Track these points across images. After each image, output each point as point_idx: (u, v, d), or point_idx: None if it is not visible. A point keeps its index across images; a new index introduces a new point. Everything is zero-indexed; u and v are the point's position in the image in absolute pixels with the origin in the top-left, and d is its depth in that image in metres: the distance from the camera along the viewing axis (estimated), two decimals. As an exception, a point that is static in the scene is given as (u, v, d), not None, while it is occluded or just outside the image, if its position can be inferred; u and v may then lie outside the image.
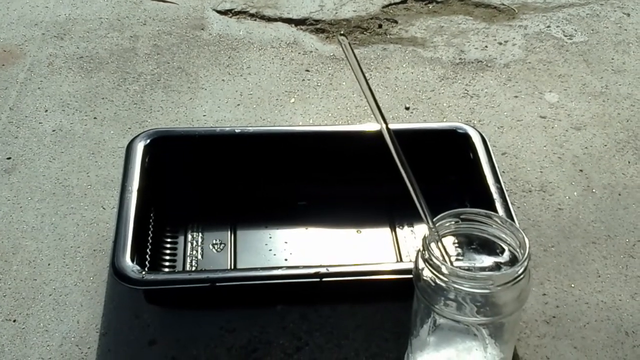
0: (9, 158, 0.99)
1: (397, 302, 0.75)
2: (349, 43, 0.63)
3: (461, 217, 0.68)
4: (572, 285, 0.83)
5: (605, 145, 1.01)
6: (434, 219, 0.66)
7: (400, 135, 0.66)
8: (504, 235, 0.67)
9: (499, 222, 0.67)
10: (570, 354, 0.76)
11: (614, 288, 0.82)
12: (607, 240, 0.88)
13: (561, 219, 0.91)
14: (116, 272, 0.74)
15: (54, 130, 1.04)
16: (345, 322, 0.79)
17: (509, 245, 0.67)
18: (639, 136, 1.03)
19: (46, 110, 1.07)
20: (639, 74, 1.14)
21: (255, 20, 1.27)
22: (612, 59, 1.18)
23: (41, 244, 0.87)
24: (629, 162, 0.99)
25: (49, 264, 0.85)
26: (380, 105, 0.64)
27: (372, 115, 1.04)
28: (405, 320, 0.72)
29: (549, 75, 1.14)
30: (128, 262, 0.75)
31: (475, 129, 0.91)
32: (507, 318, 0.66)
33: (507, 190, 0.83)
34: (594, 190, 0.95)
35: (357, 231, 0.89)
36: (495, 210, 0.79)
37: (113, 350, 0.76)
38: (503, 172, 0.95)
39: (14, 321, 0.79)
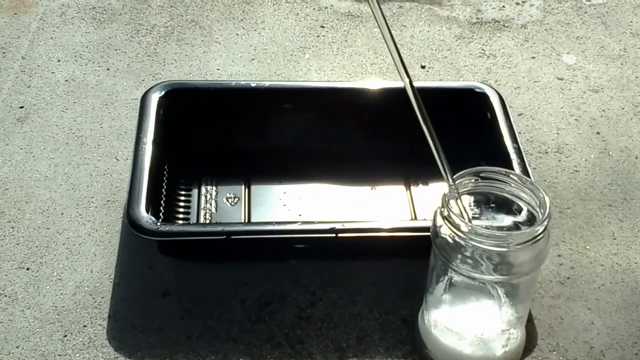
0: (21, 107, 0.98)
1: (412, 259, 0.75)
2: (376, -3, 0.62)
3: (480, 175, 0.67)
4: (587, 247, 0.83)
5: (623, 109, 1.01)
6: (454, 177, 0.65)
7: (418, 93, 0.65)
8: (523, 194, 0.66)
9: (518, 180, 0.67)
10: (584, 315, 0.76)
11: (630, 251, 0.82)
12: (623, 203, 0.87)
13: (577, 180, 0.90)
14: (131, 222, 0.74)
15: (66, 81, 1.03)
16: (359, 278, 0.79)
17: (528, 204, 0.66)
18: (657, 100, 1.02)
19: (59, 60, 1.06)
20: (658, 37, 1.13)
21: (270, -26, 1.26)
22: (631, 22, 1.16)
23: (54, 193, 0.87)
24: (646, 126, 0.98)
25: (62, 213, 0.85)
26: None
27: (387, 73, 1.05)
28: (419, 278, 0.72)
29: (567, 36, 1.13)
30: (143, 212, 0.75)
31: (493, 89, 0.90)
32: (523, 277, 0.66)
33: (523, 151, 0.82)
34: (610, 153, 0.94)
35: (372, 188, 0.88)
36: (513, 171, 0.79)
37: (127, 300, 0.76)
38: (519, 133, 0.94)
39: (28, 269, 0.79)
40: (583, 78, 1.05)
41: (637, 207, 0.87)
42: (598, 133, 0.97)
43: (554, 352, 0.73)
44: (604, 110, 1.00)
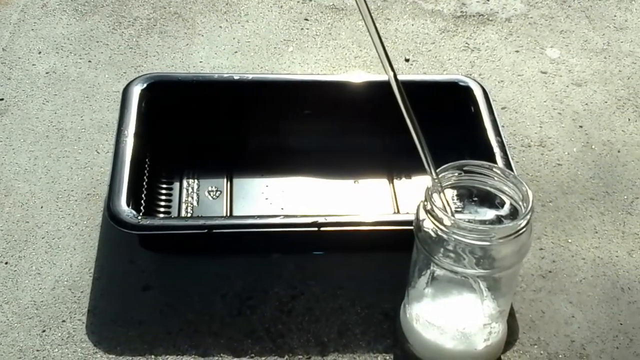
0: (1, 99, 0.97)
1: (394, 253, 0.74)
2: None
3: (464, 168, 0.67)
4: (569, 241, 0.83)
5: (606, 102, 1.01)
6: (437, 170, 0.65)
7: (402, 87, 0.65)
8: (506, 188, 0.66)
9: (501, 174, 0.67)
10: (566, 308, 0.76)
11: (611, 244, 0.82)
12: (605, 197, 0.88)
13: (560, 174, 0.90)
14: (112, 216, 0.73)
15: (47, 73, 1.02)
16: (341, 272, 0.78)
17: (511, 198, 0.66)
18: (639, 94, 1.02)
19: (40, 52, 1.05)
20: (641, 31, 1.13)
21: (253, -34, 1.25)
22: (615, 16, 1.16)
23: (34, 186, 0.86)
24: (628, 120, 0.98)
25: (41, 207, 0.84)
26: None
27: (371, 66, 1.04)
28: (401, 272, 0.71)
29: (551, 30, 1.13)
30: (124, 206, 0.74)
31: (477, 82, 0.90)
32: (505, 271, 0.66)
33: (506, 145, 0.82)
34: (593, 147, 0.94)
35: (355, 182, 0.88)
36: (496, 164, 0.78)
37: (106, 295, 0.76)
38: (502, 126, 0.94)
39: (6, 263, 0.78)
40: (566, 72, 1.05)
41: (619, 201, 0.87)
42: (581, 127, 0.97)
43: (535, 346, 0.73)
44: (587, 104, 1.00)
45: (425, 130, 0.65)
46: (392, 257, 0.76)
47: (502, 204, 0.67)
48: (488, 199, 0.68)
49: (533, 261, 0.80)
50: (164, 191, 0.85)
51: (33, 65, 1.03)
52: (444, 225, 0.62)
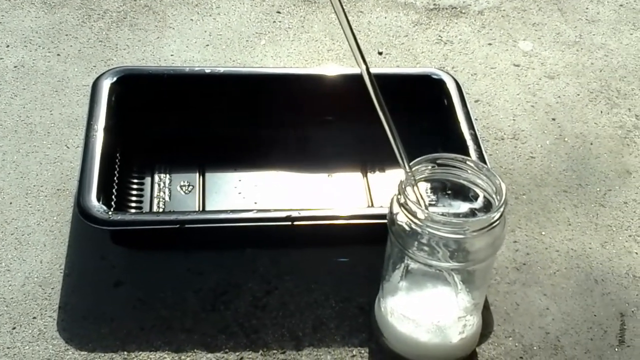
0: (-32, 93, 0.95)
1: (368, 247, 0.74)
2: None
3: (437, 162, 0.67)
4: (543, 233, 0.83)
5: (578, 95, 1.01)
6: (410, 164, 0.65)
7: (375, 80, 0.65)
8: (479, 181, 0.66)
9: (475, 167, 0.67)
10: (540, 300, 0.76)
11: (584, 236, 0.83)
12: (578, 189, 0.88)
13: (533, 167, 0.90)
14: (82, 212, 0.72)
15: (15, 67, 1.00)
16: (315, 266, 0.78)
17: (484, 191, 0.66)
18: (611, 86, 1.02)
19: (8, 46, 1.03)
20: (613, 24, 1.14)
21: (225, -42, 1.24)
22: (587, 8, 1.17)
23: (3, 182, 0.85)
24: (601, 112, 0.98)
25: (10, 203, 0.83)
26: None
27: (344, 59, 1.04)
28: (376, 266, 0.71)
29: (523, 23, 1.13)
30: (94, 201, 0.73)
31: (450, 75, 0.90)
32: (479, 264, 0.66)
33: (480, 138, 0.82)
34: (566, 139, 0.94)
35: (328, 175, 0.87)
36: (469, 157, 0.78)
37: (77, 291, 0.75)
38: (476, 119, 0.94)
39: (-25, 260, 0.77)
40: (539, 64, 1.06)
41: (592, 193, 0.87)
42: (554, 119, 0.97)
43: (510, 338, 0.73)
44: (559, 97, 1.00)
45: (398, 123, 0.64)
46: (367, 251, 0.76)
47: (476, 196, 0.67)
48: (462, 192, 0.68)
49: (507, 254, 0.80)
50: (135, 186, 0.84)
51: (1, 59, 1.01)
52: (418, 219, 0.62)
